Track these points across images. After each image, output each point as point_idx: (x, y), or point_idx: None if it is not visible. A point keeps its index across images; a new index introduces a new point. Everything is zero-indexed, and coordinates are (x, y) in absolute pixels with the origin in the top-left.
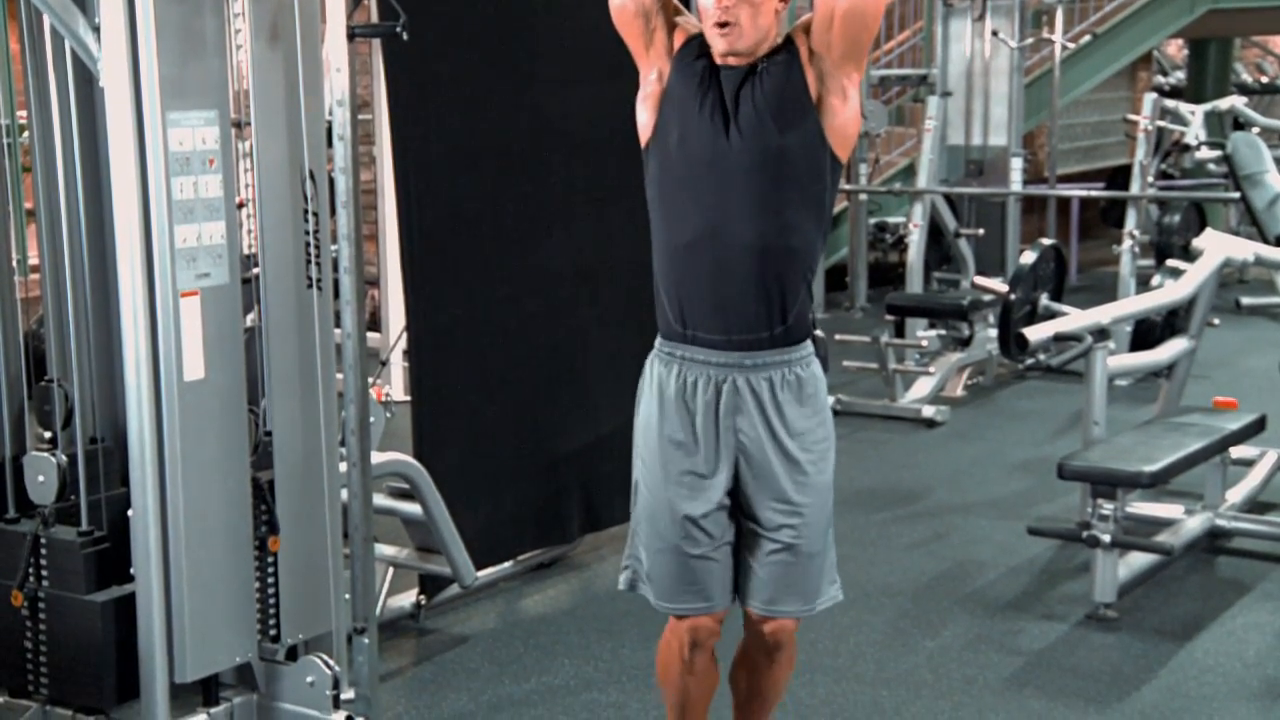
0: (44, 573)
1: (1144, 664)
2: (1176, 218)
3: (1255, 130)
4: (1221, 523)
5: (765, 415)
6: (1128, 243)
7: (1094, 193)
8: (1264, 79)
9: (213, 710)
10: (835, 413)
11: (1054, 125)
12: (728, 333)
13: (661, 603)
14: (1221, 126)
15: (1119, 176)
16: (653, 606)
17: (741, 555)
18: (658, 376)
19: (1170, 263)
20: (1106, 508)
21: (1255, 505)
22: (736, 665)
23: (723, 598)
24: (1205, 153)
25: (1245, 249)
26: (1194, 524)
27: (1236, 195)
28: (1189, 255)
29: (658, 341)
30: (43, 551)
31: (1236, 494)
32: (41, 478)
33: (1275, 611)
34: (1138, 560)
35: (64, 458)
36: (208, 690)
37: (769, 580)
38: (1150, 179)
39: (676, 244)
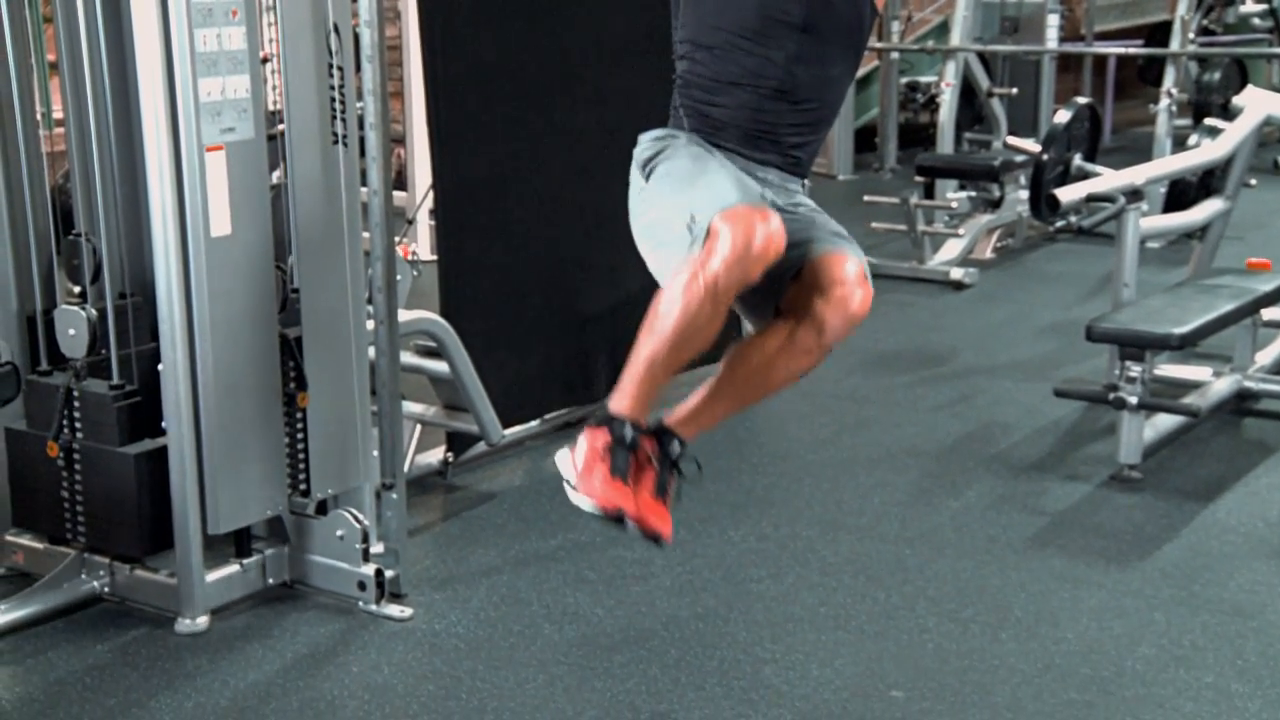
0: (77, 425)
1: (1166, 524)
2: (1216, 75)
3: None
4: (1249, 384)
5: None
6: (1165, 101)
7: (1132, 50)
8: None
9: (245, 561)
10: None
11: None
12: (749, 152)
13: (712, 208)
14: None
15: (1158, 33)
16: (700, 240)
17: (787, 223)
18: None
19: (1208, 121)
20: (1134, 369)
21: None
22: (756, 340)
23: (760, 199)
24: (1250, 6)
25: None
26: (1222, 386)
27: None
28: (1228, 114)
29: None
30: (75, 404)
31: (1266, 356)
32: (72, 331)
33: None
34: (1164, 422)
35: (94, 312)
36: (240, 542)
37: (835, 233)
38: (1191, 35)
39: (713, 87)
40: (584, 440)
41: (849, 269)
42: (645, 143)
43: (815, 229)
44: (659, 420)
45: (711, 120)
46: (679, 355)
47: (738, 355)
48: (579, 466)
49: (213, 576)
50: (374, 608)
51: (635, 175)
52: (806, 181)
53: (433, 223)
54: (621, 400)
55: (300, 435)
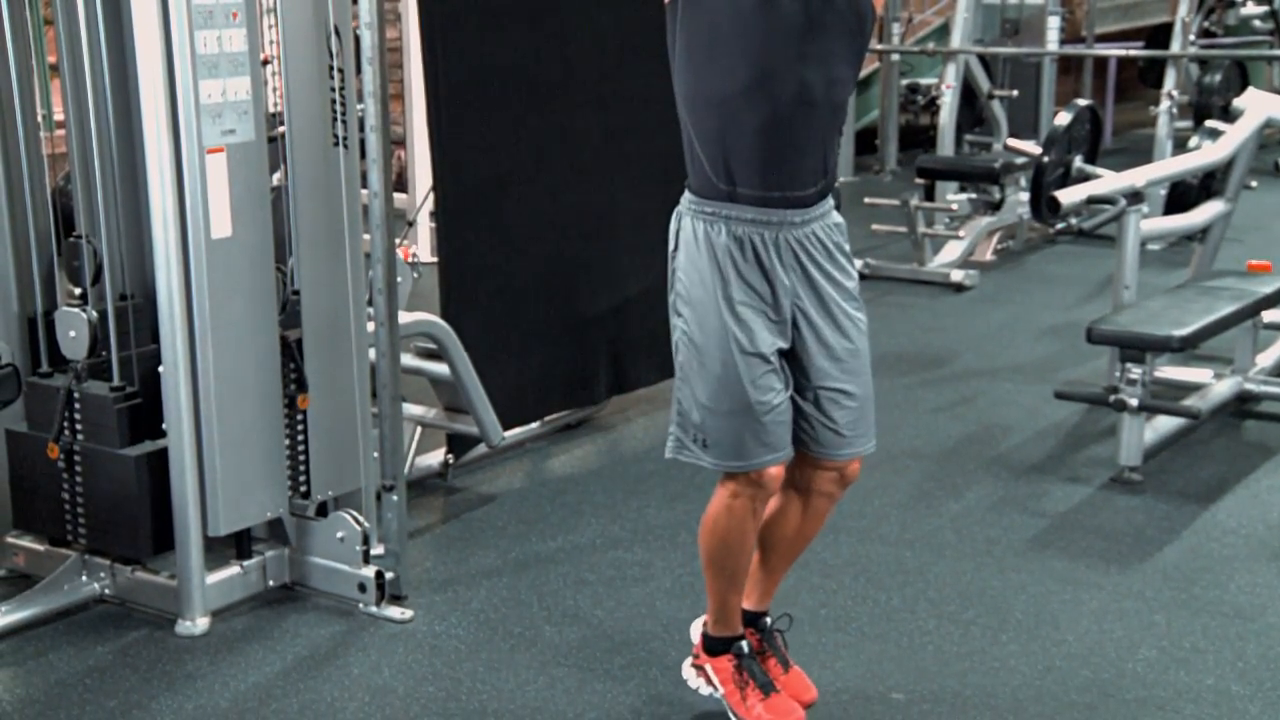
0: (78, 427)
1: (1167, 526)
2: (1217, 77)
3: None
4: (1250, 387)
5: (819, 267)
6: (1165, 103)
7: (1133, 52)
8: None
9: (246, 563)
10: (863, 276)
11: None
12: (776, 189)
13: (732, 463)
14: None
15: (1159, 35)
16: (707, 467)
17: (806, 413)
18: (703, 234)
19: (1209, 123)
20: (1135, 371)
21: None
22: (778, 517)
23: (790, 445)
24: (1251, 8)
25: None
26: (1222, 388)
27: None
28: (1228, 116)
29: (692, 199)
30: (76, 406)
31: (1267, 358)
32: (73, 333)
33: None
34: (1164, 424)
35: (94, 314)
36: (240, 543)
37: (846, 427)
38: (1192, 37)
39: (722, 97)
40: (709, 669)
41: (840, 465)
42: (677, 249)
43: (817, 421)
44: (743, 612)
45: (734, 161)
46: (742, 569)
47: (771, 533)
48: (724, 695)
49: (213, 578)
50: (374, 610)
51: (669, 262)
52: (852, 261)
53: (433, 225)
54: (720, 626)
55: (301, 437)
